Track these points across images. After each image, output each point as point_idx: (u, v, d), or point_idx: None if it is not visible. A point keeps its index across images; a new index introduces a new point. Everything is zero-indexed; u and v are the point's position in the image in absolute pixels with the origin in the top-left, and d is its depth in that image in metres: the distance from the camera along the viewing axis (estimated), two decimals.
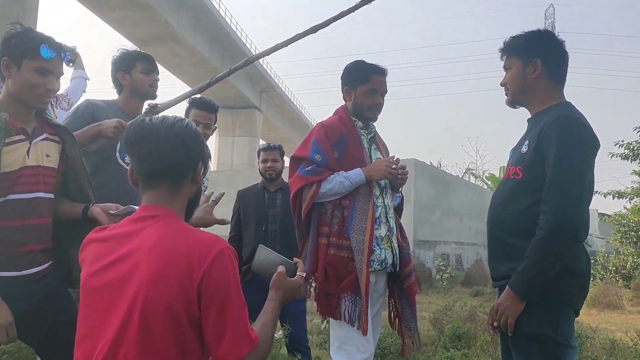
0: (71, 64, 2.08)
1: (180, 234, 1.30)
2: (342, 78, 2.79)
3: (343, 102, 2.81)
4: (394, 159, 2.67)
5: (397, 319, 2.74)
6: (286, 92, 43.35)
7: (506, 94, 2.15)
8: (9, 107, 1.93)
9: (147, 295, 1.21)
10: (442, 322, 5.86)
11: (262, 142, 35.91)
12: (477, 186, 22.34)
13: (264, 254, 1.62)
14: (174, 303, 1.21)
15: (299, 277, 1.54)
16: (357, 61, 2.79)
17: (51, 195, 2.04)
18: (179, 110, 3.41)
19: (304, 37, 2.60)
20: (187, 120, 1.43)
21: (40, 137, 2.02)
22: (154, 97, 2.84)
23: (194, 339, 1.24)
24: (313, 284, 2.53)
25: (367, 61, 2.77)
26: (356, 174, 2.56)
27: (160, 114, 1.44)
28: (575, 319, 1.96)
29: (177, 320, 1.21)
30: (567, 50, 2.09)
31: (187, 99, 3.34)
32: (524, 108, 2.17)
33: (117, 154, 2.66)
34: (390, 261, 2.62)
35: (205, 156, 1.45)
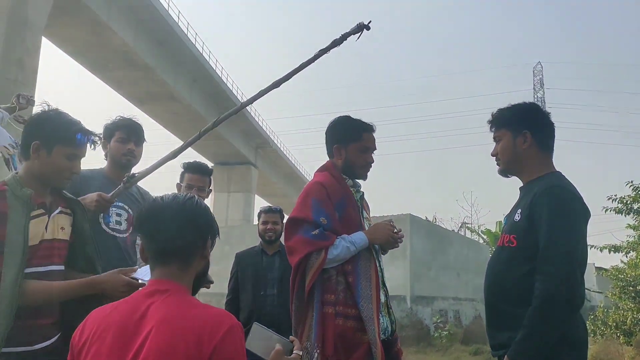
0: (93, 147, 2.13)
1: (190, 308, 1.32)
2: (329, 134, 2.70)
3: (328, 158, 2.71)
4: (392, 222, 2.61)
5: None
6: (281, 148, 43.85)
7: (497, 164, 2.23)
8: (30, 184, 1.96)
9: None
10: None
11: (260, 201, 35.84)
12: (473, 241, 22.30)
13: (259, 332, 1.60)
14: None
15: (296, 355, 1.53)
16: (344, 117, 2.72)
17: (62, 267, 2.06)
18: (173, 172, 3.47)
19: (268, 92, 2.54)
20: (196, 198, 1.47)
21: (57, 211, 2.06)
22: (127, 166, 2.80)
23: None
24: (316, 356, 2.35)
25: (353, 117, 2.70)
26: (360, 239, 2.45)
27: (172, 193, 1.49)
28: None
29: None
30: (553, 122, 2.20)
31: (182, 165, 3.41)
32: None
33: (101, 220, 2.66)
34: (390, 329, 2.53)
35: (214, 232, 1.49)
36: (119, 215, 2.74)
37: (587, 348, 1.97)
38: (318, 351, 2.34)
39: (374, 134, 2.70)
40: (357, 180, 2.71)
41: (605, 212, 16.69)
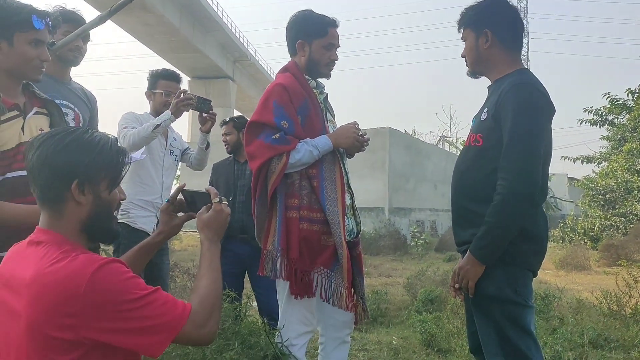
0: (53, 31, 2.00)
1: (52, 263, 1.20)
2: (292, 30, 2.55)
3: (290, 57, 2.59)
4: (357, 124, 2.53)
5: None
6: (260, 62, 42.80)
7: (466, 66, 2.18)
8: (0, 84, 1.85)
9: (28, 324, 1.16)
10: (415, 287, 6.00)
11: (237, 113, 35.72)
12: (451, 153, 22.59)
13: (190, 198, 1.63)
14: (49, 331, 1.15)
15: (216, 204, 1.52)
16: (307, 11, 2.56)
17: None
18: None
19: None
20: (61, 133, 1.31)
21: (32, 112, 1.96)
22: (73, 62, 2.72)
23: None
24: (280, 261, 2.34)
25: (316, 12, 2.55)
26: (324, 143, 2.40)
27: (55, 129, 1.35)
28: (544, 279, 2.03)
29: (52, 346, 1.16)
30: (518, 15, 2.13)
31: (151, 72, 3.43)
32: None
33: None
34: (355, 230, 2.55)
35: (80, 174, 1.28)
36: (65, 115, 2.52)
37: (546, 242, 2.02)
38: (282, 255, 2.34)
39: (337, 30, 2.57)
40: (320, 80, 2.61)
41: (581, 124, 16.99)
